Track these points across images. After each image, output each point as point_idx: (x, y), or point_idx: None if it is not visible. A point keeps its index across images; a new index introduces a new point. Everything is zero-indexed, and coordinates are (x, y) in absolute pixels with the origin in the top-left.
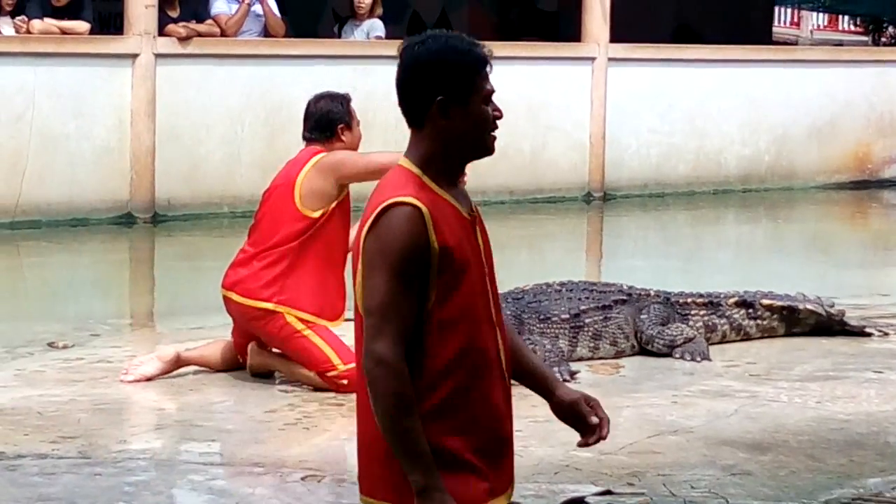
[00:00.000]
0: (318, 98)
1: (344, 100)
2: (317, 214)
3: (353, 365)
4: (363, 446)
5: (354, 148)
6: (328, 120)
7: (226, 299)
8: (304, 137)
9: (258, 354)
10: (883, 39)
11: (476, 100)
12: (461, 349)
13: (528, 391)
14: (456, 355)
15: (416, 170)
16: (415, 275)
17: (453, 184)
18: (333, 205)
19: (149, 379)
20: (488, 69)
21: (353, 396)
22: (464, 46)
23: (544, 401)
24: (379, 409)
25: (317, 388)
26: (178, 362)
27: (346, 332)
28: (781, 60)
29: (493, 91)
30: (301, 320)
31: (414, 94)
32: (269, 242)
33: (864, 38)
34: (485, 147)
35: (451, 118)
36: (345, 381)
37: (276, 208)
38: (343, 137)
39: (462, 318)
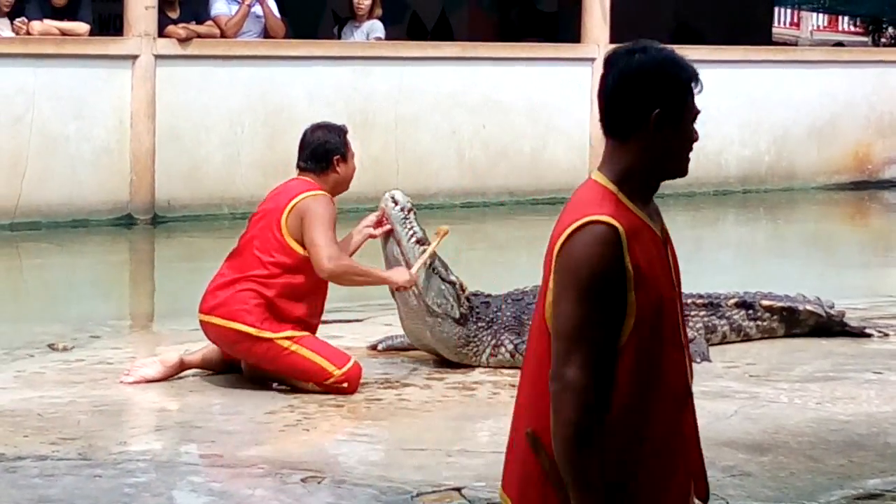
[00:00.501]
0: (316, 128)
1: (341, 131)
2: (302, 250)
3: (348, 367)
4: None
5: (348, 180)
6: (324, 150)
7: (204, 324)
8: (299, 166)
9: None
10: (883, 40)
11: (687, 117)
12: (652, 376)
13: None
14: (647, 384)
15: (612, 186)
16: (608, 298)
17: (647, 201)
18: None
19: (149, 381)
20: (698, 88)
21: (354, 398)
22: (681, 60)
23: None
24: (559, 435)
25: (316, 391)
26: (181, 367)
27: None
28: (781, 61)
29: (699, 112)
30: (286, 338)
31: (629, 105)
32: (255, 271)
33: (864, 39)
34: (682, 168)
35: (663, 133)
36: (345, 385)
37: (263, 236)
38: (338, 169)
39: (653, 343)
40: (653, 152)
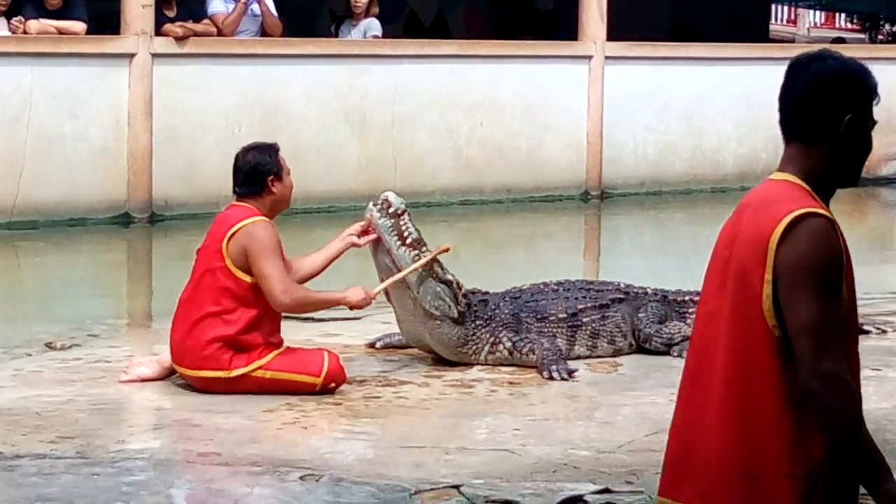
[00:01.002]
0: (246, 150)
1: (272, 150)
2: (249, 279)
3: (325, 370)
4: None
5: (287, 198)
6: (257, 173)
7: (181, 375)
8: (235, 192)
9: None
10: (879, 37)
11: (870, 125)
12: (850, 364)
13: (525, 389)
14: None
15: (805, 185)
16: (840, 287)
17: (826, 206)
18: None
19: (145, 380)
20: (877, 100)
21: (352, 395)
22: (869, 70)
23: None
24: (835, 426)
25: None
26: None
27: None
28: (778, 58)
29: (876, 122)
30: (258, 368)
31: (824, 109)
32: (210, 308)
33: (861, 36)
34: (857, 176)
35: (850, 139)
36: (332, 385)
37: (211, 271)
38: (274, 189)
39: (852, 334)
40: (838, 157)
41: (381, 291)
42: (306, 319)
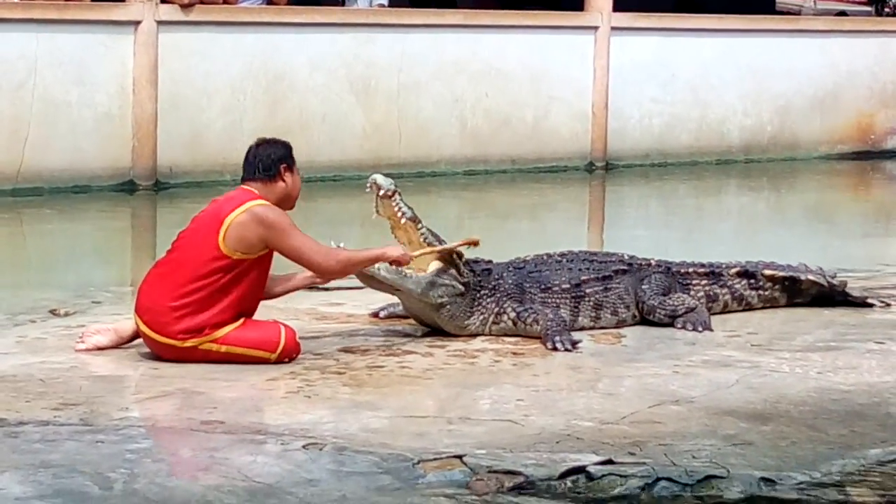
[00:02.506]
0: (260, 142)
1: (286, 145)
2: (236, 256)
3: (280, 347)
4: None
5: (294, 195)
6: (271, 160)
7: (137, 325)
8: (243, 179)
9: None
10: (886, 10)
11: None
12: None
13: (529, 360)
14: None
15: None
16: None
17: None
18: (258, 255)
19: (101, 349)
20: None
21: (355, 365)
22: None
23: (547, 371)
24: None
25: (317, 357)
26: (135, 335)
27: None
28: (784, 30)
29: None
30: (212, 341)
31: None
32: (184, 275)
33: (868, 9)
34: None
35: None
36: (286, 360)
37: (198, 240)
38: (285, 178)
39: None
40: None
41: (417, 256)
42: (311, 289)
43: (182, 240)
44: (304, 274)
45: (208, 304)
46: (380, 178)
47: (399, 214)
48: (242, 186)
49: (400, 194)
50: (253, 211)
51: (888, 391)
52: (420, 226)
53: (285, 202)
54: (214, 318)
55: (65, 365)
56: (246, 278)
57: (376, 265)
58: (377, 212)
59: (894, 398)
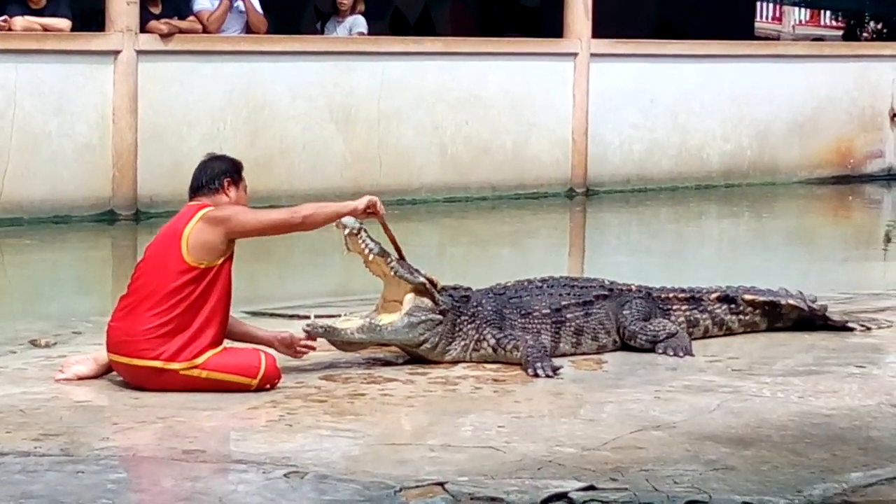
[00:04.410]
0: (209, 157)
1: (236, 162)
2: (203, 265)
3: (261, 373)
4: None
5: None
6: (216, 172)
7: (113, 364)
8: (190, 194)
9: None
10: (864, 35)
11: None
12: None
13: (510, 386)
14: None
15: None
16: None
17: None
18: (221, 260)
19: (81, 378)
20: None
21: (337, 393)
22: None
23: (528, 397)
24: None
25: (299, 385)
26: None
27: None
28: (763, 55)
29: None
30: (194, 367)
31: None
32: (155, 297)
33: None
34: None
35: None
36: (267, 386)
37: (160, 262)
38: (229, 192)
39: None
40: None
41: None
42: (291, 317)
43: (142, 270)
44: (272, 333)
45: (188, 320)
46: (345, 219)
47: (366, 252)
48: (189, 203)
49: (366, 231)
50: (206, 215)
51: (869, 415)
52: (389, 259)
53: None
54: (196, 334)
55: (45, 395)
56: (216, 286)
57: (347, 328)
58: (347, 248)
59: (875, 422)
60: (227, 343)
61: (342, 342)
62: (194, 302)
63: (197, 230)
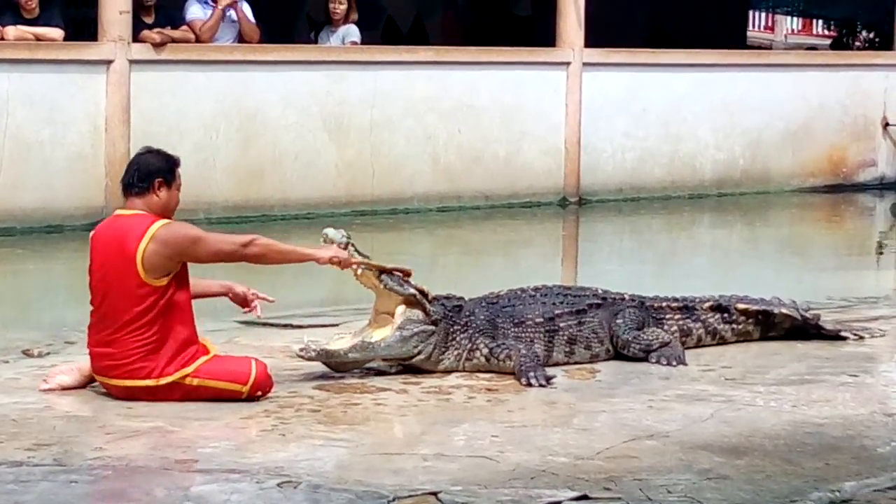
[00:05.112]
0: (144, 151)
1: (171, 159)
2: (164, 282)
3: (252, 379)
4: None
5: (169, 209)
6: (147, 171)
7: (103, 384)
8: (124, 192)
9: None
10: (857, 44)
11: None
12: None
13: (503, 396)
14: None
15: None
16: None
17: None
18: (177, 270)
19: (65, 389)
20: None
21: (330, 402)
22: None
23: (521, 407)
24: None
25: (292, 394)
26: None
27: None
28: (756, 65)
29: None
30: (186, 375)
31: None
32: (128, 321)
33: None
34: None
35: None
36: (259, 393)
37: (119, 284)
38: (159, 193)
39: None
40: None
41: (359, 263)
42: (284, 326)
43: (101, 291)
44: (226, 285)
45: (167, 332)
46: (331, 232)
47: (354, 266)
48: (126, 207)
49: (353, 245)
50: (157, 237)
51: (862, 424)
52: (378, 272)
53: (162, 215)
54: (181, 343)
55: (38, 405)
56: (180, 290)
57: (340, 349)
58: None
59: (868, 431)
60: (217, 350)
61: (336, 363)
62: (167, 313)
63: (150, 252)
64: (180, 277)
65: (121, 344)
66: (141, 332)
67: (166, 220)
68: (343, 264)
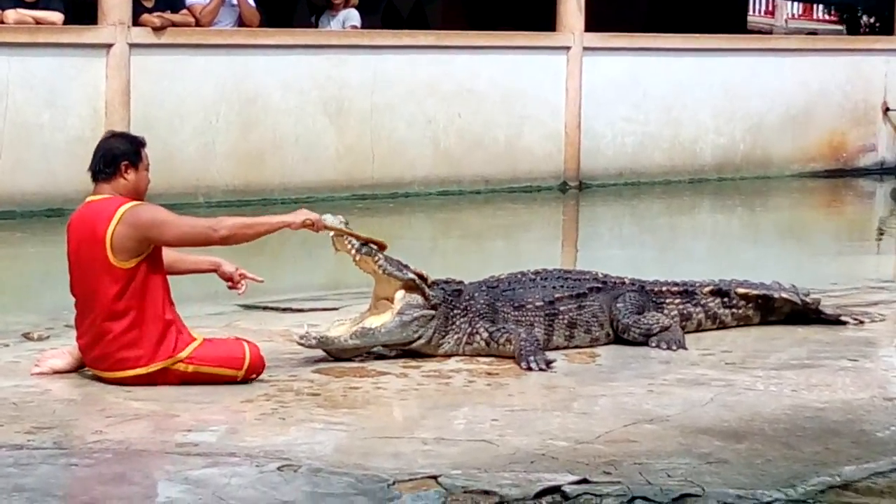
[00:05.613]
0: (109, 135)
1: (135, 141)
2: (133, 264)
3: (246, 364)
4: None
5: (139, 191)
6: (112, 156)
7: (97, 376)
8: (92, 176)
9: None
10: (862, 30)
11: None
12: None
13: (503, 380)
14: None
15: None
16: None
17: None
18: (150, 249)
19: (57, 372)
20: None
21: (330, 386)
22: None
23: (521, 391)
24: None
25: (292, 378)
26: None
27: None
28: (756, 49)
29: None
30: (179, 361)
31: None
32: (105, 307)
33: (839, 27)
34: None
35: None
36: (253, 376)
37: (90, 269)
38: (126, 175)
39: None
40: None
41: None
42: (284, 310)
43: (77, 278)
44: (207, 257)
45: (147, 316)
46: (329, 218)
47: (353, 251)
48: (94, 194)
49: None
50: (125, 219)
51: (862, 408)
52: (377, 257)
53: (133, 198)
54: (164, 326)
55: (38, 389)
56: (153, 274)
57: (339, 336)
58: (335, 248)
59: (868, 415)
60: (207, 332)
61: (337, 350)
62: (142, 297)
63: (118, 234)
64: (152, 259)
65: (102, 333)
66: (119, 318)
67: (135, 203)
68: (316, 226)
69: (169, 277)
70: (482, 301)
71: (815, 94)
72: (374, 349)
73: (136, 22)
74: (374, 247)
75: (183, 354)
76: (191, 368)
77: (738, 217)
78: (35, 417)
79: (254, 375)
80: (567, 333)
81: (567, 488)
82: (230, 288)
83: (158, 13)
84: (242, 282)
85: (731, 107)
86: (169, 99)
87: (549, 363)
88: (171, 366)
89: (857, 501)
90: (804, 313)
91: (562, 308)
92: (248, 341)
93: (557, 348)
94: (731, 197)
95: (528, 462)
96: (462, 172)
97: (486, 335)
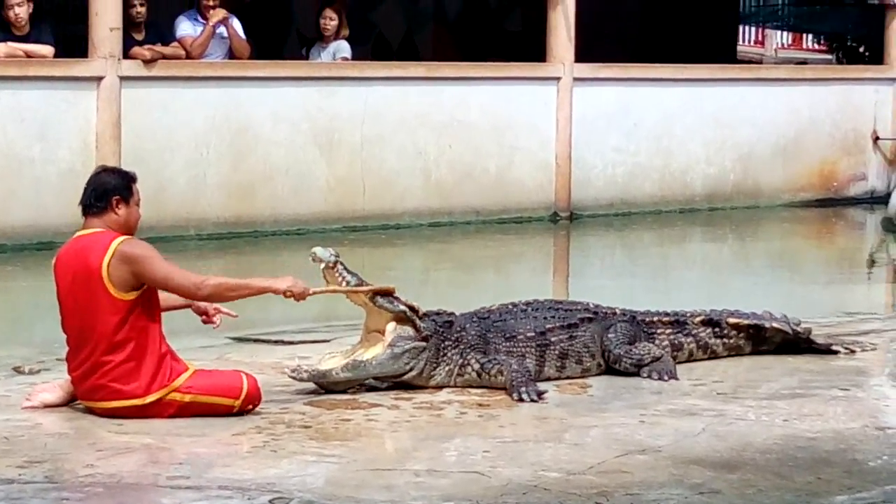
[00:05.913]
0: (100, 170)
1: (127, 176)
2: (134, 296)
3: (243, 394)
4: None
5: (129, 226)
6: (104, 190)
7: (89, 408)
8: (83, 211)
9: None
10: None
11: None
12: None
13: (495, 411)
14: None
15: None
16: None
17: None
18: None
19: (48, 406)
20: None
21: (322, 418)
22: None
23: (513, 422)
24: None
25: (283, 411)
26: None
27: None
28: (746, 79)
29: None
30: (175, 391)
31: None
32: (104, 340)
33: (828, 57)
34: None
35: None
36: (250, 407)
37: (89, 304)
38: (117, 210)
39: None
40: None
41: (318, 293)
42: (276, 342)
43: (72, 313)
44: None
45: (144, 348)
46: (319, 251)
47: (344, 284)
48: (86, 228)
49: (342, 263)
50: (118, 252)
51: (854, 438)
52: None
53: (124, 232)
54: (159, 358)
55: (29, 422)
56: (151, 303)
57: (331, 369)
58: (326, 281)
59: (860, 445)
60: (199, 364)
61: (329, 383)
62: (141, 328)
63: (113, 267)
64: (150, 292)
65: (101, 365)
66: (119, 349)
67: (127, 237)
68: (298, 297)
69: None
70: (473, 332)
71: (806, 123)
72: (366, 381)
73: (126, 55)
74: (365, 282)
75: (178, 383)
76: (188, 398)
77: (729, 247)
78: (26, 451)
79: (250, 406)
80: (558, 364)
81: None
82: (205, 322)
83: (149, 46)
84: (217, 316)
85: (722, 136)
86: (160, 131)
87: (540, 394)
88: (166, 396)
89: None
90: (795, 343)
91: (553, 339)
92: (245, 372)
93: (549, 379)
94: (722, 227)
95: (520, 493)
96: (453, 203)
97: (477, 366)
